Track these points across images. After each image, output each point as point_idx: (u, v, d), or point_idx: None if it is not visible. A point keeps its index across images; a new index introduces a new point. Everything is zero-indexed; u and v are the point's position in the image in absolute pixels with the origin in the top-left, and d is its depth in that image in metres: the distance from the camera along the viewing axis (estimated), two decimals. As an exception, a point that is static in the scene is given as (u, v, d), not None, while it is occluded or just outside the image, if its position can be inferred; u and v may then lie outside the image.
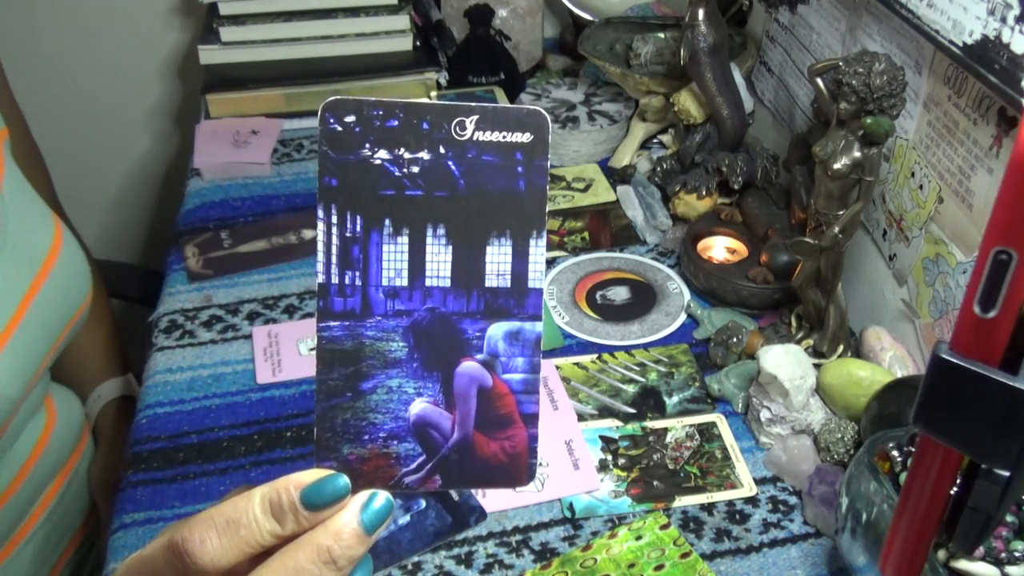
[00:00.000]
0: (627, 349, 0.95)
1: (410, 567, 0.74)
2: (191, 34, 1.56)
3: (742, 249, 1.03)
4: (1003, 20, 0.67)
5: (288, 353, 0.93)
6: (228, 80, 1.28)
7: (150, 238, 1.76)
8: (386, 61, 1.31)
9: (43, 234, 0.83)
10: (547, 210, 0.40)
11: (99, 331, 1.06)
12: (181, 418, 0.87)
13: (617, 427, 0.86)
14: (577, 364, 0.93)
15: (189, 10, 1.54)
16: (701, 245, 1.04)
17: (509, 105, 0.39)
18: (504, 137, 0.39)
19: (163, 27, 1.56)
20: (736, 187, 1.08)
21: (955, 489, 0.42)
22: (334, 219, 0.39)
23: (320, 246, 0.39)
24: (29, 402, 0.83)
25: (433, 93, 1.31)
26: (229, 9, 1.29)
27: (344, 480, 0.38)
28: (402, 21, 1.32)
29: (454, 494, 0.78)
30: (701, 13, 1.03)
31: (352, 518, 0.38)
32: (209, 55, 1.29)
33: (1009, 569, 0.58)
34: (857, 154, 0.80)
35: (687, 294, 1.02)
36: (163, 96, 1.63)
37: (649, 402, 0.89)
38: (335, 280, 0.39)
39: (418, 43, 1.34)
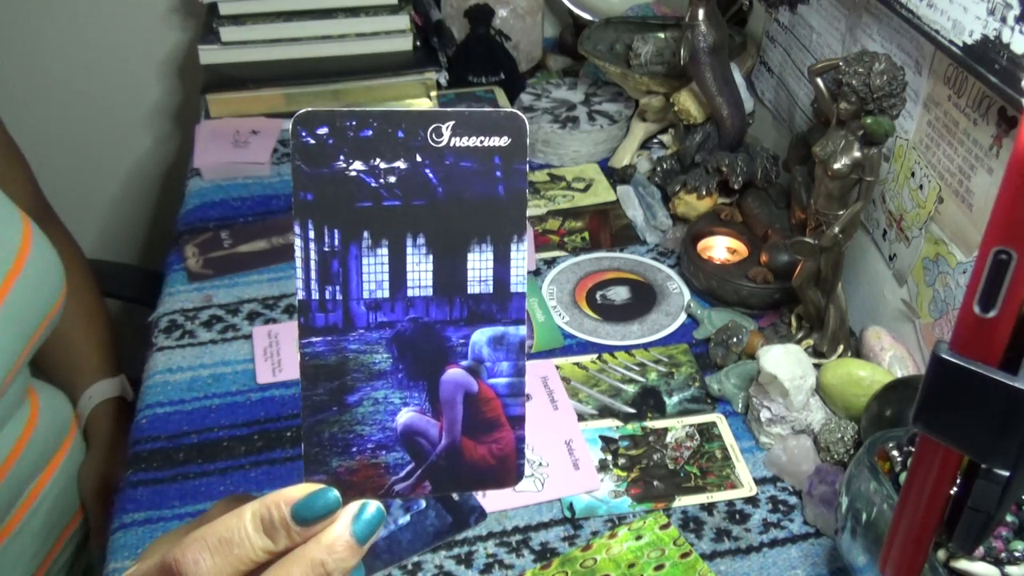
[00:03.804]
0: (627, 349, 0.95)
1: (410, 567, 0.74)
2: (191, 34, 1.56)
3: (742, 249, 1.03)
4: (1003, 20, 0.67)
5: (288, 353, 0.93)
6: (228, 80, 1.28)
7: (150, 238, 1.76)
8: (386, 61, 1.31)
9: (11, 234, 0.83)
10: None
11: (92, 331, 1.06)
12: (181, 418, 0.87)
13: (617, 427, 0.86)
14: (577, 364, 0.93)
15: (189, 10, 1.54)
16: (701, 245, 1.04)
17: (486, 109, 0.39)
18: (481, 142, 0.38)
19: (163, 27, 1.56)
20: (736, 187, 1.08)
21: (955, 489, 0.42)
22: (311, 234, 0.38)
23: (298, 262, 0.38)
24: (7, 400, 0.83)
25: (433, 93, 1.31)
26: (229, 9, 1.29)
27: (334, 494, 0.38)
28: (402, 21, 1.32)
29: (454, 494, 0.78)
30: (701, 13, 1.03)
31: (344, 530, 0.38)
32: (209, 55, 1.29)
33: (1009, 569, 0.58)
34: (857, 154, 0.80)
35: (687, 294, 1.02)
36: (163, 96, 1.63)
37: (649, 402, 0.89)
38: (315, 296, 0.39)
39: (418, 43, 1.34)
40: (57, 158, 1.58)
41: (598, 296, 1.02)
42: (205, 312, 0.99)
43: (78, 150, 1.62)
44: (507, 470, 0.41)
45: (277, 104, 1.29)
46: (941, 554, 0.59)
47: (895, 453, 0.65)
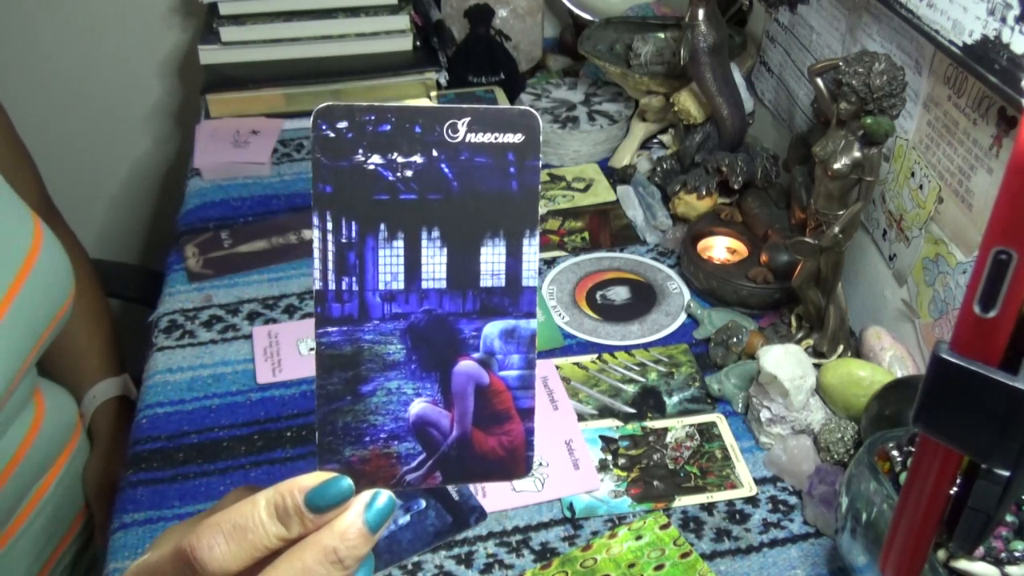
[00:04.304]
0: (627, 349, 0.95)
1: (410, 567, 0.74)
2: (191, 34, 1.57)
3: (742, 249, 1.03)
4: (1003, 20, 0.67)
5: (288, 353, 0.93)
6: (228, 80, 1.28)
7: (150, 238, 1.76)
8: (386, 61, 1.31)
9: (22, 234, 0.83)
10: (540, 210, 0.40)
11: (96, 331, 1.06)
12: (181, 418, 0.87)
13: (617, 427, 0.86)
14: (577, 364, 0.93)
15: (189, 10, 1.54)
16: (701, 245, 1.04)
17: (500, 106, 0.39)
18: (496, 138, 0.39)
19: (163, 27, 1.56)
20: (736, 187, 1.08)
21: (955, 489, 0.42)
22: (329, 225, 0.39)
23: (316, 252, 0.39)
24: (14, 399, 0.83)
25: (433, 93, 1.31)
26: (229, 9, 1.29)
27: (347, 482, 0.38)
28: (402, 21, 1.32)
29: (454, 494, 0.78)
30: (701, 13, 1.03)
31: (357, 518, 0.38)
32: (209, 55, 1.29)
33: (1009, 569, 0.58)
34: (857, 154, 0.80)
35: (687, 294, 1.02)
36: (163, 96, 1.63)
37: (649, 402, 0.89)
38: (332, 286, 0.39)
39: (418, 43, 1.34)
40: (58, 158, 1.58)
41: (598, 296, 1.02)
42: (205, 312, 0.99)
43: (79, 150, 1.62)
44: (516, 462, 0.41)
45: (277, 104, 1.29)
46: (941, 554, 0.59)
47: (895, 453, 0.65)
